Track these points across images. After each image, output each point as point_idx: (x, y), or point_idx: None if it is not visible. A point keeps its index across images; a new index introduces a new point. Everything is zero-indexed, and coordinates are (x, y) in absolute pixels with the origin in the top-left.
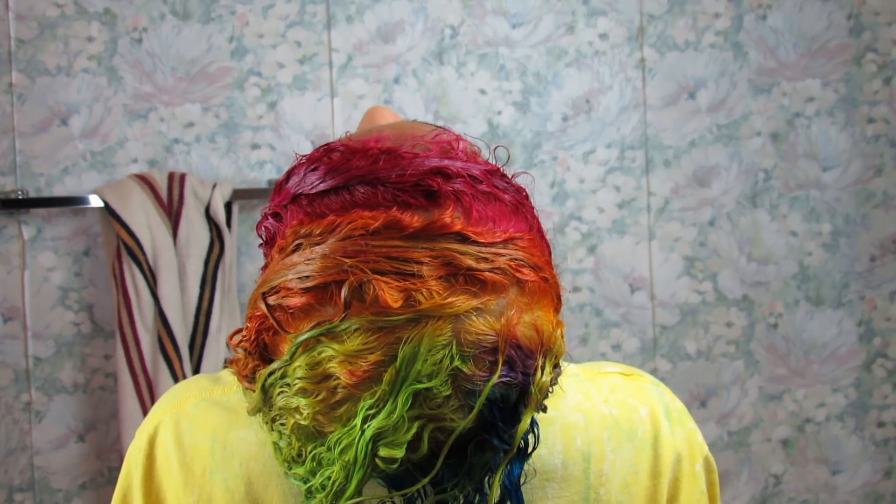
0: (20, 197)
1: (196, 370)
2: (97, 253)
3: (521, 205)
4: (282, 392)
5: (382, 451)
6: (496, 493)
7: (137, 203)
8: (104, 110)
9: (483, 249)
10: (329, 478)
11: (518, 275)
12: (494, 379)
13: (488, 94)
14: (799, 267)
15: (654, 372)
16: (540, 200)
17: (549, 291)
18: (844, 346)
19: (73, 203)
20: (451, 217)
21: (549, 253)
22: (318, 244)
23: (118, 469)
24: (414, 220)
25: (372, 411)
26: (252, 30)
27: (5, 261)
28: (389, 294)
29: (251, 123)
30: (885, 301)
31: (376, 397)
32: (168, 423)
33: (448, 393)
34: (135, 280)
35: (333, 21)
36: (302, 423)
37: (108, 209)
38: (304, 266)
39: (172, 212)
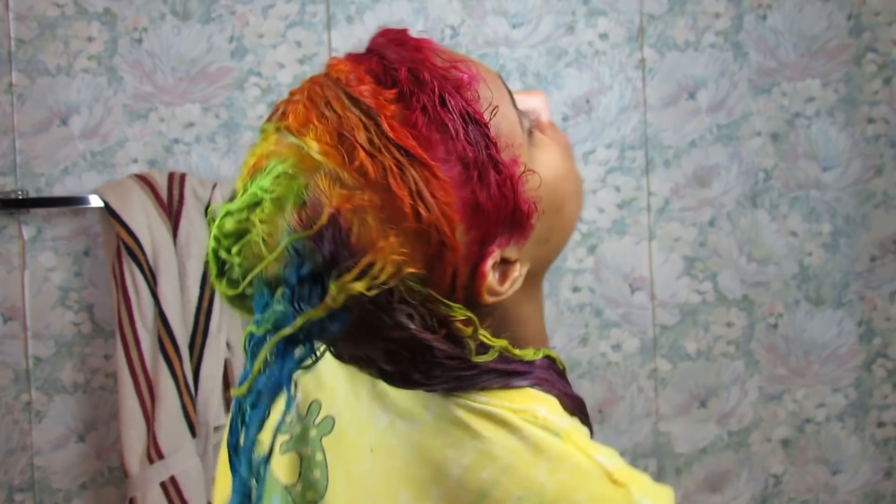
0: (20, 197)
1: (196, 370)
2: (97, 253)
3: (467, 162)
4: None
5: (221, 253)
6: (259, 361)
7: (137, 203)
8: (104, 110)
9: (386, 143)
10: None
11: (390, 182)
12: (298, 235)
13: None
14: (799, 267)
15: (653, 372)
16: None
17: (415, 233)
18: (844, 346)
19: (73, 203)
20: (389, 104)
21: (464, 228)
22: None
23: (118, 469)
24: (363, 88)
25: (227, 206)
26: (252, 30)
27: (5, 261)
28: (294, 116)
29: (251, 123)
30: (885, 301)
31: (236, 193)
32: None
33: (269, 218)
34: (135, 280)
35: (333, 21)
36: None
37: (108, 209)
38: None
39: (172, 212)
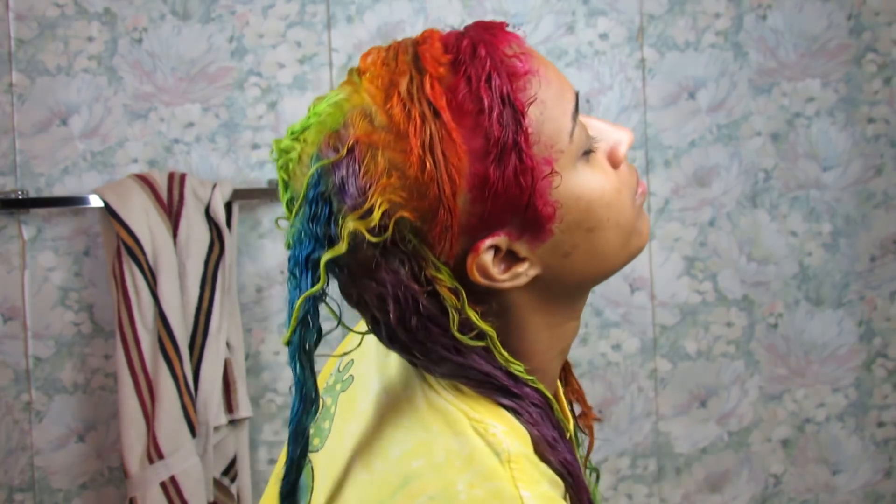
0: (20, 197)
1: (196, 370)
2: (97, 253)
3: (491, 139)
4: None
5: (278, 168)
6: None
7: (137, 203)
8: (104, 110)
9: (420, 97)
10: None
11: (409, 130)
12: (322, 162)
13: None
14: (799, 267)
15: (653, 372)
16: None
17: (416, 183)
18: (844, 346)
19: (73, 203)
20: (440, 66)
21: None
22: None
23: (118, 469)
24: (429, 50)
25: (292, 126)
26: (252, 30)
27: (5, 261)
28: (368, 61)
29: (251, 123)
30: (885, 301)
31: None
32: None
33: (310, 140)
34: (135, 280)
35: (333, 21)
36: None
37: (108, 209)
38: None
39: (172, 212)
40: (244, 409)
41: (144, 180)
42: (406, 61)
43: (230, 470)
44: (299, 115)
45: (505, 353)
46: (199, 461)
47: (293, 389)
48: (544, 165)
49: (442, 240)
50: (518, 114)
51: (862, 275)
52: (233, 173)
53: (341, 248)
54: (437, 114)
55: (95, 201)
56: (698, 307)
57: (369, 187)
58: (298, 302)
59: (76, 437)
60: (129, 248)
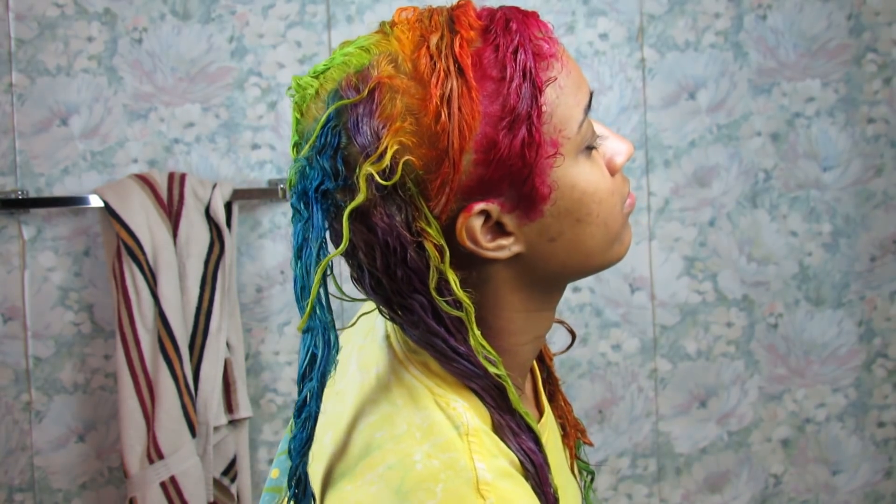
0: (20, 197)
1: (196, 370)
2: (97, 253)
3: (507, 107)
4: None
5: (295, 101)
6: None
7: (137, 203)
8: (104, 110)
9: (448, 53)
10: None
11: (431, 81)
12: (339, 102)
13: None
14: (799, 267)
15: (653, 372)
16: None
17: (428, 132)
18: (844, 346)
19: (73, 203)
20: (471, 31)
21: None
22: None
23: (118, 469)
24: (464, 15)
25: (316, 65)
26: (252, 30)
27: (5, 261)
28: (403, 16)
29: (251, 123)
30: (885, 301)
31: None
32: None
33: (331, 77)
34: (135, 280)
35: (333, 21)
36: None
37: (108, 209)
38: None
39: (172, 212)
40: (244, 409)
41: (144, 180)
42: (440, 21)
43: (230, 470)
44: None
45: (478, 334)
46: (199, 461)
47: (311, 342)
48: (550, 146)
49: (440, 193)
50: (536, 90)
51: (862, 275)
52: (233, 173)
53: (360, 197)
54: (461, 71)
55: (95, 201)
56: (698, 307)
57: (383, 128)
58: (326, 261)
59: (76, 437)
60: (129, 248)
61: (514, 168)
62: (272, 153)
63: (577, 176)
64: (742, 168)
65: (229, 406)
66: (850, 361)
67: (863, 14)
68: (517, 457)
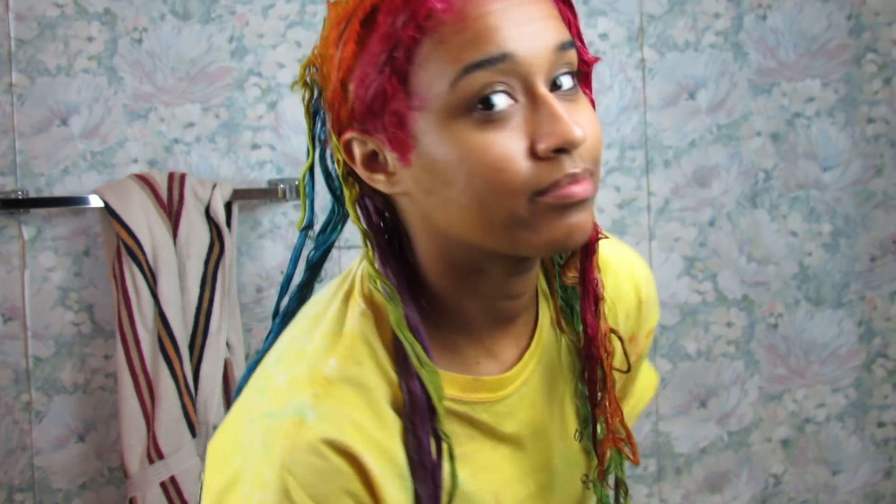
0: (20, 197)
1: (196, 370)
2: (97, 253)
3: (379, 58)
4: None
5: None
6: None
7: (137, 203)
8: (104, 110)
9: (358, 5)
10: None
11: (343, 25)
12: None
13: None
14: (799, 267)
15: None
16: None
17: (325, 62)
18: (844, 347)
19: (73, 203)
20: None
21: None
22: None
23: (118, 469)
24: None
25: None
26: (252, 30)
27: (5, 261)
28: None
29: (251, 123)
30: (885, 301)
31: None
32: None
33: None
34: (135, 280)
35: None
36: None
37: (108, 209)
38: None
39: (172, 212)
40: None
41: (144, 180)
42: None
43: None
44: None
45: (373, 259)
46: (200, 461)
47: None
48: (415, 98)
49: (331, 110)
50: (412, 40)
51: (862, 275)
52: (233, 173)
53: (307, 96)
54: (356, 15)
55: (95, 201)
56: (698, 307)
57: (319, 41)
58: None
59: (76, 438)
60: (129, 248)
61: (375, 108)
62: (272, 153)
63: (448, 137)
64: (742, 168)
65: (229, 406)
66: (850, 361)
67: (863, 14)
68: (403, 387)
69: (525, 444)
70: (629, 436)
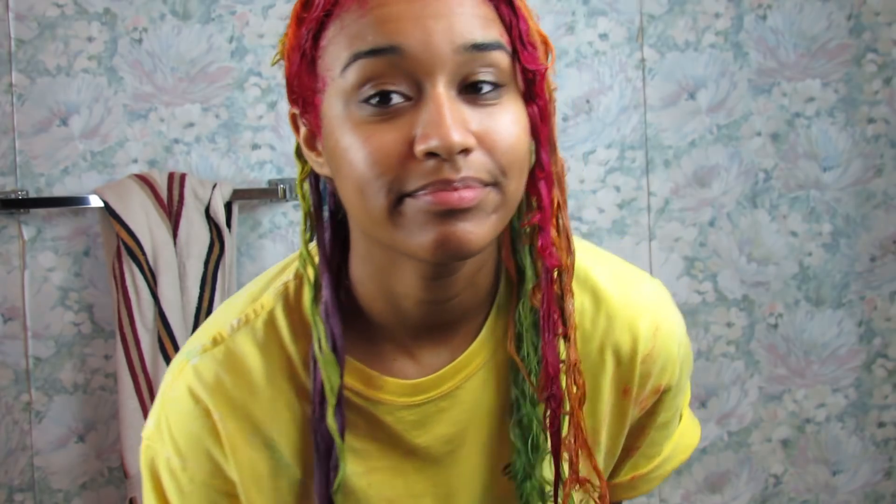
0: (20, 197)
1: None
2: (97, 253)
3: (299, 43)
4: None
5: None
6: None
7: (137, 203)
8: (104, 110)
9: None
10: None
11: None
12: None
13: None
14: (799, 267)
15: None
16: None
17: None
18: (844, 347)
19: (73, 203)
20: None
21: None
22: None
23: (118, 469)
24: None
25: None
26: (252, 30)
27: (5, 261)
28: None
29: (251, 123)
30: (885, 301)
31: None
32: None
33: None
34: (135, 280)
35: None
36: None
37: (108, 209)
38: None
39: (172, 212)
40: None
41: (144, 180)
42: None
43: None
44: None
45: (304, 232)
46: None
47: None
48: (319, 81)
49: (289, 82)
50: (318, 23)
51: (862, 275)
52: (233, 173)
53: (288, 68)
54: (295, 8)
55: (95, 201)
56: (698, 307)
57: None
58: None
59: (76, 438)
60: (129, 248)
61: (295, 87)
62: (272, 153)
63: (341, 124)
64: (742, 168)
65: None
66: (850, 361)
67: (863, 14)
68: (309, 366)
69: (441, 461)
70: (602, 483)
